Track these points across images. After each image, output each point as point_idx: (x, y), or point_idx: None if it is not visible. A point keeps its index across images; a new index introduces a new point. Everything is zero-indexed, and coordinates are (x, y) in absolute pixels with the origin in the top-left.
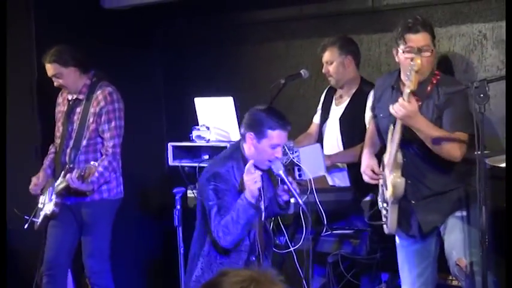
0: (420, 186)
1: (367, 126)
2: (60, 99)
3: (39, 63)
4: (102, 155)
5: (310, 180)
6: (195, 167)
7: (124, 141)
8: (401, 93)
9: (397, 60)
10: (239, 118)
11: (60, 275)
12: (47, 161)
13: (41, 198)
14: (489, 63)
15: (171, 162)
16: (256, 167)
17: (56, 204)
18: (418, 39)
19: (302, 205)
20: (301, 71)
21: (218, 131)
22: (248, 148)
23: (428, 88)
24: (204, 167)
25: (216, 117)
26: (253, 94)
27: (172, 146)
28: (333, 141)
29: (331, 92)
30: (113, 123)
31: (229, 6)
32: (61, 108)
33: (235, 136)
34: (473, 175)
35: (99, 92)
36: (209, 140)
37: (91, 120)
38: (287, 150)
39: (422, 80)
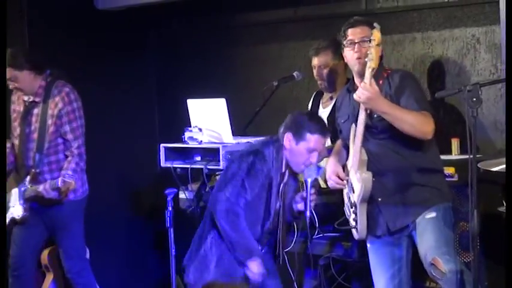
0: (385, 182)
1: None
2: (14, 97)
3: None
4: (64, 156)
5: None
6: (187, 168)
7: (116, 142)
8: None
9: (346, 61)
10: (231, 120)
11: (27, 276)
12: (10, 160)
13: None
14: (482, 67)
15: (163, 163)
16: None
17: (25, 210)
18: (356, 32)
19: (307, 218)
20: (294, 73)
21: (210, 132)
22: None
23: (380, 82)
24: (195, 168)
25: (208, 119)
26: (246, 96)
27: (165, 147)
28: None
29: (319, 96)
30: (74, 124)
31: (223, 8)
32: (16, 107)
33: (228, 138)
34: (441, 176)
35: (56, 92)
36: (201, 141)
37: (50, 122)
38: None
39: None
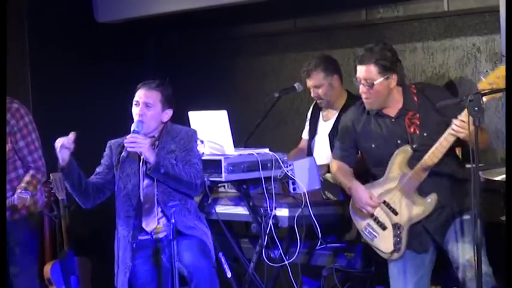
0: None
1: None
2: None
3: (33, 77)
4: (23, 172)
5: (304, 193)
6: None
7: None
8: (389, 117)
9: None
10: (232, 131)
11: None
12: None
13: None
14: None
15: None
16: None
17: None
18: (362, 70)
19: None
20: (295, 85)
21: (212, 144)
22: None
23: (415, 99)
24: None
25: (210, 131)
26: (246, 107)
27: None
28: (323, 156)
29: (318, 107)
30: (29, 138)
31: (223, 20)
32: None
33: (229, 149)
34: (464, 191)
35: (15, 107)
36: (203, 153)
37: (8, 140)
38: (281, 163)
39: (404, 97)
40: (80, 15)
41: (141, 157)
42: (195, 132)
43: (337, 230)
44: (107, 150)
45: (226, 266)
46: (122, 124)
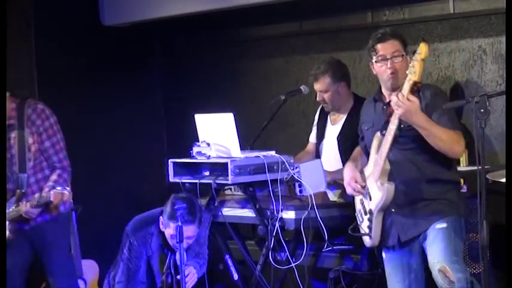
0: (400, 193)
1: None
2: None
3: (40, 81)
4: (48, 171)
5: (311, 195)
6: (196, 183)
7: (124, 158)
8: (384, 103)
9: (374, 72)
10: (239, 134)
11: None
12: None
13: None
14: (489, 78)
15: (171, 178)
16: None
17: (10, 231)
18: (387, 47)
19: None
20: (301, 87)
21: (219, 147)
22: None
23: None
24: (204, 183)
25: (216, 134)
26: (253, 110)
27: (173, 162)
28: (331, 160)
29: (325, 110)
30: (54, 139)
31: (229, 23)
32: None
33: (236, 152)
34: (455, 188)
35: (29, 111)
36: (210, 156)
37: (30, 141)
38: (287, 166)
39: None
40: (87, 18)
41: None
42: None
43: (344, 232)
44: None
45: (233, 269)
46: (127, 126)
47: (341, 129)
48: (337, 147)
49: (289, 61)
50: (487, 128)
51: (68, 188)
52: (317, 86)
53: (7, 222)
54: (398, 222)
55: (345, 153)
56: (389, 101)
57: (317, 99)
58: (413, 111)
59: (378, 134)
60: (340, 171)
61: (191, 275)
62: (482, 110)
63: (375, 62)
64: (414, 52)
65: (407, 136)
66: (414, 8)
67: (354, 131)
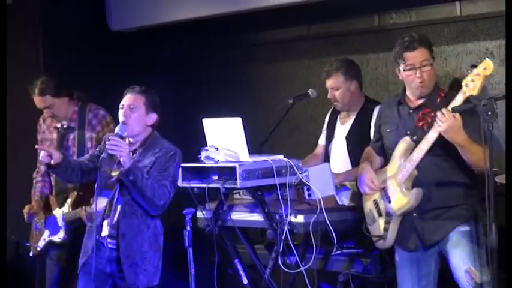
0: (424, 200)
1: None
2: (43, 127)
3: None
4: None
5: (319, 199)
6: (205, 187)
7: None
8: (409, 108)
9: (400, 78)
10: (247, 138)
11: None
12: (37, 191)
13: (38, 223)
14: (496, 80)
15: (180, 183)
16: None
17: (66, 233)
18: (416, 55)
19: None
20: (309, 91)
21: (227, 151)
22: None
23: (438, 100)
24: (213, 187)
25: (224, 138)
26: (261, 114)
27: (182, 167)
28: (340, 160)
29: (336, 112)
30: None
31: (236, 27)
32: (47, 135)
33: (244, 156)
34: (476, 194)
35: (91, 116)
36: (218, 160)
37: (89, 145)
38: (296, 169)
39: (429, 93)
40: (94, 23)
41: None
42: (175, 153)
43: (353, 236)
44: (103, 142)
45: (242, 273)
46: None
47: (350, 128)
48: (345, 146)
49: (297, 65)
50: (495, 130)
51: None
52: (329, 83)
53: (63, 223)
54: (421, 227)
55: (353, 152)
56: (418, 106)
57: (328, 96)
58: (456, 129)
59: (408, 139)
60: (348, 173)
61: (118, 143)
62: (489, 113)
63: (403, 70)
64: (473, 66)
65: (438, 144)
66: (421, 11)
67: (363, 131)
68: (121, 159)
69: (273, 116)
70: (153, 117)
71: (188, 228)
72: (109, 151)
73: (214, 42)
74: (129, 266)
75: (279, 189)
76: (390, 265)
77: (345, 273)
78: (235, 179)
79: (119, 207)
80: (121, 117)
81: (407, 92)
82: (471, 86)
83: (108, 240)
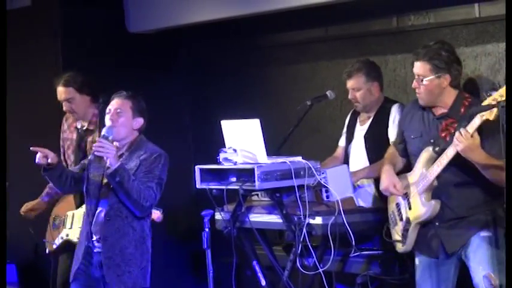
0: (446, 209)
1: (391, 140)
2: (65, 126)
3: None
4: None
5: (337, 201)
6: (223, 189)
7: None
8: (434, 114)
9: None
10: (266, 140)
11: None
12: (46, 189)
13: (57, 221)
14: None
15: (198, 185)
16: None
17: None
18: (418, 66)
19: None
20: (327, 92)
21: (245, 153)
22: None
23: (462, 110)
24: (231, 189)
25: (243, 140)
26: (279, 116)
27: (200, 168)
28: (359, 159)
29: (356, 114)
30: None
31: (254, 28)
32: (68, 135)
33: (262, 158)
34: (497, 198)
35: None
36: (236, 162)
37: None
38: (314, 171)
39: (453, 103)
40: (112, 25)
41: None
42: (160, 155)
43: (371, 238)
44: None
45: (260, 275)
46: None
47: (368, 128)
48: (364, 146)
49: (314, 67)
50: None
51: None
52: (350, 83)
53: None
54: (443, 235)
55: (372, 151)
56: (442, 115)
57: (349, 97)
58: (474, 149)
59: (430, 150)
60: (364, 170)
61: (105, 145)
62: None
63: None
64: (493, 89)
65: (458, 155)
66: (439, 12)
67: (381, 130)
68: (108, 161)
69: (291, 118)
70: (140, 122)
71: (206, 229)
72: (96, 153)
73: (232, 44)
74: (108, 267)
75: (297, 191)
76: (410, 267)
77: (363, 274)
78: (254, 181)
79: (103, 211)
80: (108, 121)
81: None
82: (494, 111)
83: (96, 244)
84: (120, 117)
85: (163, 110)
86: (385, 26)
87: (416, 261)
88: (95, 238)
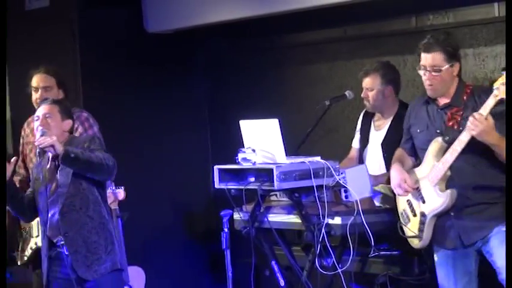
0: (461, 198)
1: None
2: (27, 131)
3: (85, 87)
4: None
5: (356, 201)
6: (242, 189)
7: (169, 165)
8: (437, 106)
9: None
10: (284, 140)
11: None
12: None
13: (23, 234)
14: None
15: (217, 185)
16: None
17: None
18: (429, 57)
19: None
20: (346, 92)
21: (264, 153)
22: None
23: (464, 97)
24: (250, 189)
25: (261, 140)
26: (298, 116)
27: (219, 169)
28: (375, 166)
29: (369, 115)
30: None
31: (273, 29)
32: (30, 139)
33: (281, 158)
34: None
35: (74, 118)
36: (255, 162)
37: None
38: (333, 171)
39: (455, 92)
40: (131, 25)
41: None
42: (93, 137)
43: (390, 238)
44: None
45: (279, 275)
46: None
47: (385, 135)
48: (381, 154)
49: (333, 66)
50: None
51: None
52: (365, 82)
53: None
54: (459, 226)
55: (390, 159)
56: (446, 105)
57: (362, 95)
58: (489, 131)
59: (440, 139)
60: (385, 175)
61: (45, 137)
62: None
63: (419, 69)
64: (504, 69)
65: (471, 142)
66: (459, 12)
67: (399, 137)
68: (53, 148)
69: (309, 118)
70: (69, 123)
71: (225, 230)
72: (40, 146)
73: (251, 44)
74: (76, 260)
75: (316, 191)
76: (429, 264)
77: (382, 275)
78: (272, 181)
79: (56, 213)
80: (38, 128)
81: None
82: (502, 89)
83: (61, 246)
84: (51, 121)
85: (181, 110)
86: (404, 25)
87: (435, 257)
88: (55, 241)
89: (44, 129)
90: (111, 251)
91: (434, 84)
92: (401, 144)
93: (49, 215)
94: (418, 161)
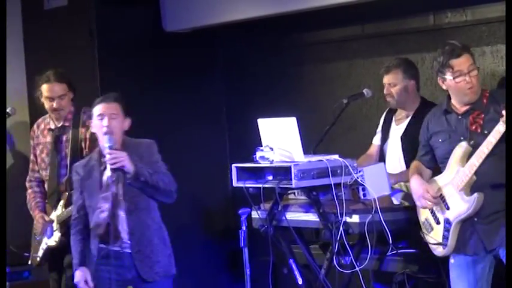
0: (485, 204)
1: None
2: (37, 132)
3: (103, 87)
4: None
5: (374, 199)
6: (260, 187)
7: (187, 163)
8: (457, 113)
9: (444, 88)
10: (302, 138)
11: None
12: (38, 202)
13: (37, 234)
14: None
15: (235, 183)
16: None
17: (62, 234)
18: (463, 61)
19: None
20: (364, 91)
21: (282, 151)
22: None
23: (484, 101)
24: (268, 187)
25: (279, 138)
26: (316, 114)
27: (236, 167)
28: (395, 160)
29: (391, 112)
30: None
31: (291, 27)
32: (41, 140)
33: (299, 156)
34: None
35: (85, 118)
36: (273, 160)
37: (83, 145)
38: (351, 169)
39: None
40: (149, 25)
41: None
42: (153, 143)
43: (408, 236)
44: (75, 175)
45: (297, 273)
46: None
47: (405, 128)
48: (400, 146)
49: (351, 65)
50: None
51: None
52: (387, 79)
53: (57, 226)
54: (482, 231)
55: (408, 152)
56: (466, 111)
57: (384, 92)
58: None
59: (464, 144)
60: (403, 173)
61: (116, 155)
62: None
63: (453, 78)
64: None
65: (497, 146)
66: (476, 9)
67: (418, 132)
68: (125, 169)
69: (327, 116)
70: (129, 122)
71: (243, 228)
72: (112, 167)
73: (268, 43)
74: (140, 260)
75: (334, 189)
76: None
77: (400, 273)
78: (290, 179)
79: (122, 211)
80: (104, 128)
81: (453, 101)
82: None
83: (123, 244)
84: (115, 122)
85: (199, 109)
86: (422, 23)
87: (451, 259)
88: (118, 241)
89: (111, 136)
90: (170, 256)
91: (475, 84)
92: (418, 156)
93: (105, 214)
94: (435, 173)
